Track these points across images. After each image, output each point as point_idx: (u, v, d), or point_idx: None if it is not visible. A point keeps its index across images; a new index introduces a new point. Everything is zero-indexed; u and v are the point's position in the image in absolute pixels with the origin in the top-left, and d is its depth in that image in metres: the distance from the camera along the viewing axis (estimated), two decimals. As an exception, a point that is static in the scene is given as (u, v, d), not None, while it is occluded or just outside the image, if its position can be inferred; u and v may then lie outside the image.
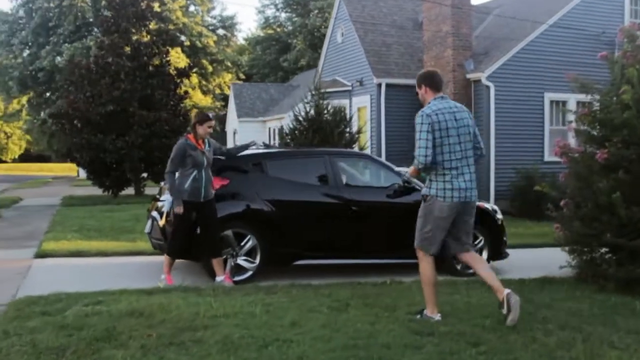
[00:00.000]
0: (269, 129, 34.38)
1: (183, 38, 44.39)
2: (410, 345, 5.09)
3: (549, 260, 9.06)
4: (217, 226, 7.88)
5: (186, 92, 23.31)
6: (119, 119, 20.30)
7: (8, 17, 43.31)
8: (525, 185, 15.90)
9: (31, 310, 6.18)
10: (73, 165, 37.50)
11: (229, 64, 48.39)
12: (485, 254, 9.06)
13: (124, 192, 21.72)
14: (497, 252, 9.23)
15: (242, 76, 51.15)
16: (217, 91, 48.04)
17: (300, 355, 4.80)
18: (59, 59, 38.29)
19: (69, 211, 16.96)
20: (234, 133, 37.43)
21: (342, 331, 5.44)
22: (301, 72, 43.96)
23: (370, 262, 8.99)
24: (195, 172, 7.70)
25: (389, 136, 19.61)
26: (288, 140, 16.67)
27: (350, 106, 21.39)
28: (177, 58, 38.10)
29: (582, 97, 8.87)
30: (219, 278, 7.76)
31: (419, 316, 6.03)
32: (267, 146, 10.13)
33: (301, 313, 6.06)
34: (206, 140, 7.96)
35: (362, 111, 20.93)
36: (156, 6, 36.02)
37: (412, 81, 18.84)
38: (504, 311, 5.80)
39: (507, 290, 5.87)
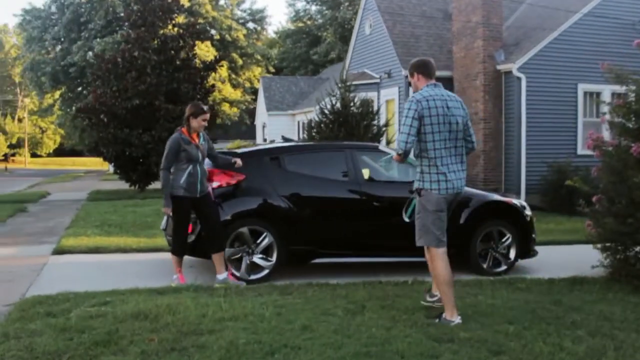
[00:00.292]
0: (298, 122, 34.10)
1: (213, 32, 44.29)
2: (427, 354, 4.76)
3: (581, 258, 8.67)
4: (217, 220, 7.62)
5: (213, 86, 23.06)
6: (145, 113, 20.19)
7: (41, 13, 43.66)
8: (557, 179, 15.41)
9: (35, 311, 5.98)
10: (104, 159, 37.67)
11: (258, 57, 48.15)
12: (513, 252, 8.67)
13: (150, 187, 21.65)
14: (525, 250, 8.81)
15: (271, 69, 50.92)
16: (247, 85, 47.89)
17: (307, 363, 4.52)
18: (90, 54, 38.42)
19: (94, 206, 16.89)
20: (263, 126, 37.26)
21: (355, 337, 5.13)
22: (331, 65, 43.60)
23: (393, 261, 8.66)
24: (190, 167, 7.42)
25: (418, 129, 19.13)
26: (314, 134, 16.40)
27: (379, 99, 21.01)
28: (207, 52, 38.01)
29: (617, 88, 8.46)
30: (220, 276, 7.48)
31: (437, 320, 5.71)
32: (286, 140, 9.83)
33: (314, 316, 5.76)
34: (201, 134, 7.66)
35: (390, 104, 20.54)
36: (185, 0, 36.08)
37: (442, 73, 18.54)
38: (428, 297, 6.07)
39: (438, 302, 5.93)
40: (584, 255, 8.62)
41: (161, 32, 21.68)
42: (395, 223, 8.34)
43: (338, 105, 16.09)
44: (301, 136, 30.17)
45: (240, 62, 46.27)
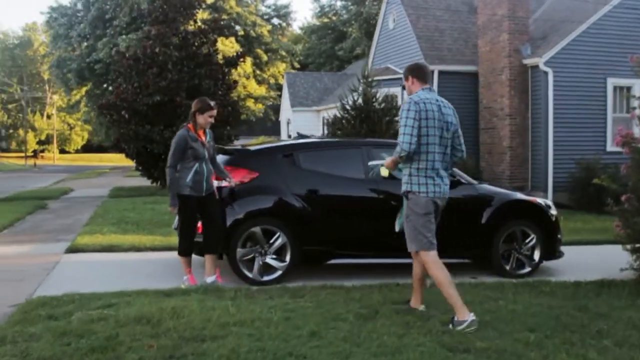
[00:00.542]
0: (323, 118, 33.82)
1: (237, 28, 44.17)
2: (439, 365, 4.47)
3: (609, 260, 8.30)
4: (220, 220, 7.39)
5: (235, 82, 22.83)
6: (166, 110, 20.03)
7: (67, 11, 43.92)
8: (585, 177, 14.98)
9: (37, 314, 5.80)
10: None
11: (283, 53, 47.96)
12: (537, 254, 8.32)
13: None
14: (550, 251, 8.45)
15: (296, 65, 50.69)
16: (272, 81, 47.72)
17: (311, 374, 4.26)
18: (121, 51, 38.48)
19: (113, 203, 16.79)
20: (288, 123, 37.05)
21: (365, 345, 4.85)
22: (356, 61, 43.25)
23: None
24: (196, 165, 7.17)
25: (442, 125, 18.77)
26: (335, 130, 16.12)
27: (402, 94, 20.64)
28: (231, 48, 37.87)
29: (648, 81, 8.06)
30: (208, 279, 7.22)
31: (450, 326, 5.43)
32: (302, 137, 9.56)
33: (323, 321, 5.48)
34: (207, 131, 7.42)
35: (415, 100, 20.14)
36: (209, -4, 35.97)
37: (466, 67, 18.16)
38: (405, 307, 5.93)
39: (422, 307, 5.96)
40: (612, 256, 8.24)
41: (182, 28, 21.51)
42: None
43: (360, 101, 15.79)
44: (324, 133, 29.89)
45: (265, 58, 46.11)
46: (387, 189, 7.97)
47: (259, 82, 46.17)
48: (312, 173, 7.96)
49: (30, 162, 69.12)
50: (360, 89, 15.99)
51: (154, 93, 19.83)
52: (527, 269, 8.25)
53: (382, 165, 6.17)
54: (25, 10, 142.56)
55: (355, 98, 15.79)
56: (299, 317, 5.62)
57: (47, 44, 60.58)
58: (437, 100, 5.80)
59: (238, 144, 18.56)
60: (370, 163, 6.70)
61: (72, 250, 9.79)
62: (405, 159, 5.63)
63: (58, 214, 15.06)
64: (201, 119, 7.28)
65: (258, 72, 46.02)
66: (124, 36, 38.25)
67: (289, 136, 34.73)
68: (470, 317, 5.43)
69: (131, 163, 44.53)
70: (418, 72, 5.95)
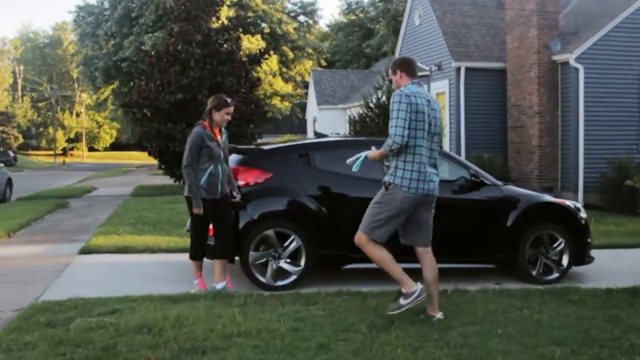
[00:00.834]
0: (349, 116, 33.45)
1: (263, 25, 44.00)
2: (456, 384, 4.12)
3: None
4: (230, 224, 7.08)
5: (259, 79, 22.56)
6: (188, 108, 19.81)
7: (94, 9, 44.17)
8: (618, 177, 14.51)
9: (37, 320, 5.56)
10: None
11: (310, 50, 47.70)
12: (565, 259, 7.89)
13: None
14: (580, 256, 8.01)
15: (323, 63, 50.37)
16: (299, 78, 47.48)
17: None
18: (143, 49, 38.55)
19: (134, 202, 16.64)
20: (314, 121, 36.79)
21: (376, 360, 4.53)
22: (384, 58, 42.82)
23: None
24: (211, 167, 6.84)
25: (469, 123, 18.38)
26: (359, 128, 15.80)
27: (429, 92, 20.23)
28: (257, 45, 37.68)
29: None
30: (218, 285, 6.91)
31: (401, 300, 5.57)
32: (319, 136, 9.24)
33: (334, 332, 5.16)
34: (222, 130, 7.10)
35: (441, 97, 19.73)
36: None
37: (494, 64, 17.66)
38: (422, 317, 5.65)
39: (439, 314, 5.68)
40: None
41: (205, 25, 21.29)
42: (434, 226, 7.73)
43: (384, 98, 15.44)
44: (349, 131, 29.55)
45: (291, 55, 45.90)
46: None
47: (286, 80, 45.95)
48: (328, 173, 7.62)
49: (60, 160, 69.87)
50: (385, 86, 15.64)
51: (176, 91, 19.64)
52: (555, 275, 7.83)
53: (360, 159, 5.99)
54: (56, 10, 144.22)
55: (379, 96, 15.44)
56: (308, 327, 5.30)
57: (75, 43, 61.06)
58: (427, 95, 5.72)
59: (260, 142, 18.32)
60: (348, 161, 6.29)
61: (85, 251, 9.59)
62: (395, 152, 5.54)
63: (78, 213, 14.94)
64: (217, 116, 6.95)
65: (284, 69, 45.82)
66: (150, 34, 38.29)
67: (315, 134, 34.47)
68: (418, 286, 5.55)
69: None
70: (407, 67, 5.85)
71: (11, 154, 58.35)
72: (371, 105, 15.43)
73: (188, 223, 8.19)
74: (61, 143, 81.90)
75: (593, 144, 15.98)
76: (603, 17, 16.40)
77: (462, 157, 17.35)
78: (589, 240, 8.15)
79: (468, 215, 7.82)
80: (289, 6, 49.49)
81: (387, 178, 5.68)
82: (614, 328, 5.46)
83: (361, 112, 15.85)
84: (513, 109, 17.72)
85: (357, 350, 4.71)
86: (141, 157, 70.63)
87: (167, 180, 23.04)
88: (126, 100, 21.17)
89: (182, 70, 19.91)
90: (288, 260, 7.30)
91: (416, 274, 5.83)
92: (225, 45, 21.20)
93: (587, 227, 8.18)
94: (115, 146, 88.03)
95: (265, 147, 8.20)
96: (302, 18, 50.05)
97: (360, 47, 50.42)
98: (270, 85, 42.60)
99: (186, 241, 9.94)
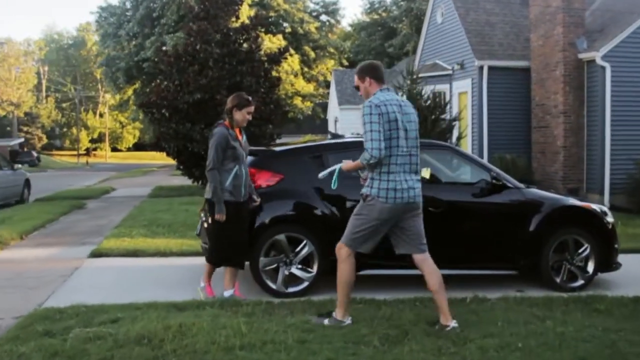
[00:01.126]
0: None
1: (285, 25, 43.79)
2: (471, 406, 3.81)
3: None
4: (247, 230, 6.79)
5: (278, 79, 22.28)
6: (206, 108, 19.61)
7: (116, 10, 44.27)
8: (646, 178, 14.00)
9: (34, 329, 5.34)
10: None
11: (332, 50, 47.37)
12: (591, 265, 7.52)
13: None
14: (606, 263, 7.62)
15: (345, 62, 50.02)
16: (321, 78, 47.19)
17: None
18: (162, 49, 38.50)
19: (151, 203, 16.47)
20: (335, 121, 36.55)
21: (386, 377, 4.22)
22: (406, 57, 42.38)
23: (451, 273, 7.67)
24: (236, 168, 6.56)
25: (492, 123, 17.97)
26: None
27: (451, 91, 19.87)
28: (278, 45, 37.46)
29: None
30: (226, 292, 6.63)
31: (326, 321, 5.48)
32: (334, 136, 8.95)
33: (344, 346, 4.87)
34: (242, 130, 6.85)
35: (463, 97, 19.35)
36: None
37: (518, 63, 17.21)
38: (437, 327, 5.37)
39: (453, 322, 5.38)
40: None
41: (224, 24, 21.07)
42: (454, 231, 7.42)
43: (404, 98, 15.09)
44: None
45: (312, 55, 45.62)
46: (423, 192, 7.31)
47: (307, 80, 45.67)
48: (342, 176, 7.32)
49: (83, 160, 70.30)
50: (405, 86, 15.30)
51: (194, 91, 19.43)
52: (580, 282, 7.46)
53: (336, 174, 5.81)
54: (80, 11, 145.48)
55: (400, 95, 15.11)
56: (317, 339, 5.02)
57: (97, 43, 61.43)
58: (398, 101, 5.51)
59: (279, 142, 18.08)
60: (320, 175, 5.99)
61: (96, 254, 9.40)
62: (375, 165, 5.35)
63: (93, 214, 14.79)
64: (239, 115, 6.68)
65: (306, 69, 45.55)
66: (171, 34, 38.24)
67: (330, 135, 34.23)
68: (347, 321, 5.48)
69: (179, 162, 44.48)
70: (374, 72, 5.64)
71: (35, 154, 58.86)
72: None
73: (198, 226, 7.97)
74: (84, 143, 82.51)
75: (620, 144, 15.50)
76: (631, 14, 15.90)
77: (485, 158, 16.99)
78: (615, 245, 7.76)
79: (489, 220, 7.49)
80: (311, 5, 49.22)
81: (364, 190, 5.50)
82: (644, 343, 5.11)
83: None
84: (537, 108, 17.29)
85: (366, 367, 4.42)
86: (163, 158, 70.88)
87: (186, 181, 22.88)
88: (144, 100, 20.99)
89: (200, 70, 19.71)
90: (300, 266, 7.02)
91: (417, 279, 5.52)
92: (244, 45, 20.98)
93: (613, 231, 7.80)
94: (138, 146, 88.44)
95: (277, 149, 7.94)
96: (324, 17, 49.76)
97: (382, 47, 49.96)
98: (292, 85, 42.37)
99: (197, 244, 9.76)
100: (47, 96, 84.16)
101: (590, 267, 7.53)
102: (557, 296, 6.84)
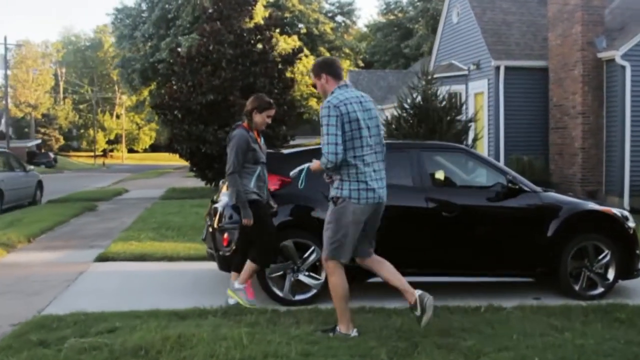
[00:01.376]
0: (387, 117, 32.87)
1: (300, 25, 43.63)
2: None
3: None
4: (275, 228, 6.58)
5: (292, 80, 22.05)
6: (220, 109, 19.45)
7: (132, 12, 44.33)
8: (668, 181, 13.63)
9: (28, 338, 5.15)
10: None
11: (347, 51, 47.14)
12: (611, 272, 7.21)
13: (227, 185, 20.96)
14: (627, 270, 7.30)
15: (360, 63, 49.75)
16: (337, 79, 46.93)
17: None
18: (179, 50, 38.45)
19: (162, 205, 16.30)
20: (351, 122, 36.25)
21: (393, 396, 3.97)
22: (422, 58, 42.04)
23: (465, 281, 7.42)
24: (259, 169, 6.41)
25: (509, 124, 17.70)
26: (392, 130, 15.21)
27: (467, 92, 19.57)
28: (293, 45, 37.28)
29: None
30: (237, 284, 6.43)
31: (331, 334, 5.23)
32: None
33: (350, 359, 4.61)
34: (259, 132, 6.64)
35: (479, 97, 19.05)
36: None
37: (535, 62, 16.88)
38: (417, 313, 5.25)
39: (418, 292, 5.31)
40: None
41: (237, 25, 20.89)
42: (468, 236, 7.16)
43: (419, 99, 14.82)
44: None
45: (328, 56, 45.40)
46: (436, 197, 7.08)
47: (323, 81, 45.43)
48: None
49: (99, 161, 70.57)
50: (420, 86, 15.04)
51: (207, 92, 19.28)
52: (600, 290, 7.16)
53: (304, 173, 5.56)
54: (97, 13, 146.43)
55: (415, 96, 14.84)
56: (321, 352, 4.77)
57: (113, 45, 61.64)
58: (358, 97, 5.28)
59: (294, 144, 17.84)
60: (291, 173, 5.77)
61: (102, 258, 9.21)
62: (333, 169, 5.17)
63: (104, 216, 14.64)
64: (259, 117, 6.50)
65: (321, 70, 45.31)
66: (186, 36, 38.17)
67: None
68: (353, 333, 5.27)
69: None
70: (331, 68, 5.41)
71: (51, 155, 59.12)
72: (405, 106, 14.82)
73: (204, 231, 7.77)
74: (101, 144, 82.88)
75: (640, 146, 15.17)
76: (652, 12, 15.56)
77: (501, 160, 16.68)
78: (637, 251, 7.43)
79: (504, 225, 7.22)
80: (326, 6, 49.05)
81: (333, 192, 5.29)
82: (669, 357, 4.82)
83: (395, 113, 15.26)
84: (555, 109, 16.95)
85: (372, 383, 4.18)
86: (179, 159, 71.02)
87: (199, 183, 22.76)
88: (157, 102, 20.86)
89: (213, 71, 19.56)
90: (307, 273, 6.78)
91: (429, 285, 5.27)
92: (258, 46, 20.79)
93: (635, 237, 7.49)
94: (155, 147, 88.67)
95: (285, 151, 7.71)
96: (339, 18, 49.55)
97: (399, 47, 49.58)
98: (307, 86, 42.17)
99: (206, 249, 9.55)
100: (64, 98, 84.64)
101: (611, 274, 7.22)
102: (576, 305, 6.56)
